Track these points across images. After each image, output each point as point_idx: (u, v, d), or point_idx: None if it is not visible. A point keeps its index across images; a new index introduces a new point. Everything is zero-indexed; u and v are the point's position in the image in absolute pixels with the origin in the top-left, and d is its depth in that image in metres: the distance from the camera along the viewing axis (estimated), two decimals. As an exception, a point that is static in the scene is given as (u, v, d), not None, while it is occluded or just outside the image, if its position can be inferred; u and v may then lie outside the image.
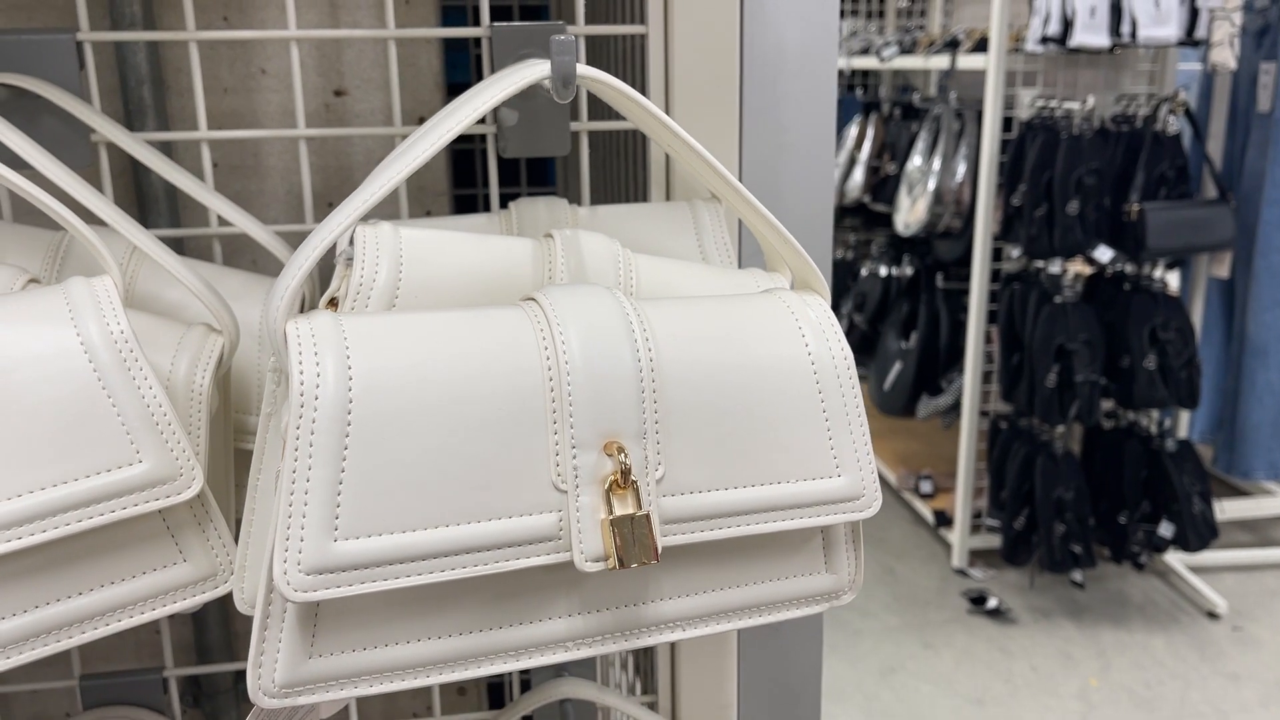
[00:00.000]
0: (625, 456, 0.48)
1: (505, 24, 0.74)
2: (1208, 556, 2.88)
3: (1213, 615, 2.74)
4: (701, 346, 0.51)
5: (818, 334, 0.53)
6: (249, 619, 1.01)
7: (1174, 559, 2.89)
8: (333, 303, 0.55)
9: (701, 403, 0.50)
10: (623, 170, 0.94)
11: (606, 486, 0.48)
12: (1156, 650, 2.62)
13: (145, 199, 0.88)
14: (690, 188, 0.79)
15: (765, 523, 0.51)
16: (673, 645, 0.89)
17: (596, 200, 1.04)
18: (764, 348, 0.52)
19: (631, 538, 0.48)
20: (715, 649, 0.89)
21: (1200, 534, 2.64)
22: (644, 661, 0.99)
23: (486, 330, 0.49)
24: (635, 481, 0.48)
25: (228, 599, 0.99)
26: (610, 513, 0.48)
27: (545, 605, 0.51)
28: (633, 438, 0.49)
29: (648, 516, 0.48)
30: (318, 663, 0.47)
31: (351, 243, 0.56)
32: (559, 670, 0.90)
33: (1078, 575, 2.72)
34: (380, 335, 0.47)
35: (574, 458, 0.48)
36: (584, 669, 0.90)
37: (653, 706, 0.90)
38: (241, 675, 1.01)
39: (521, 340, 0.49)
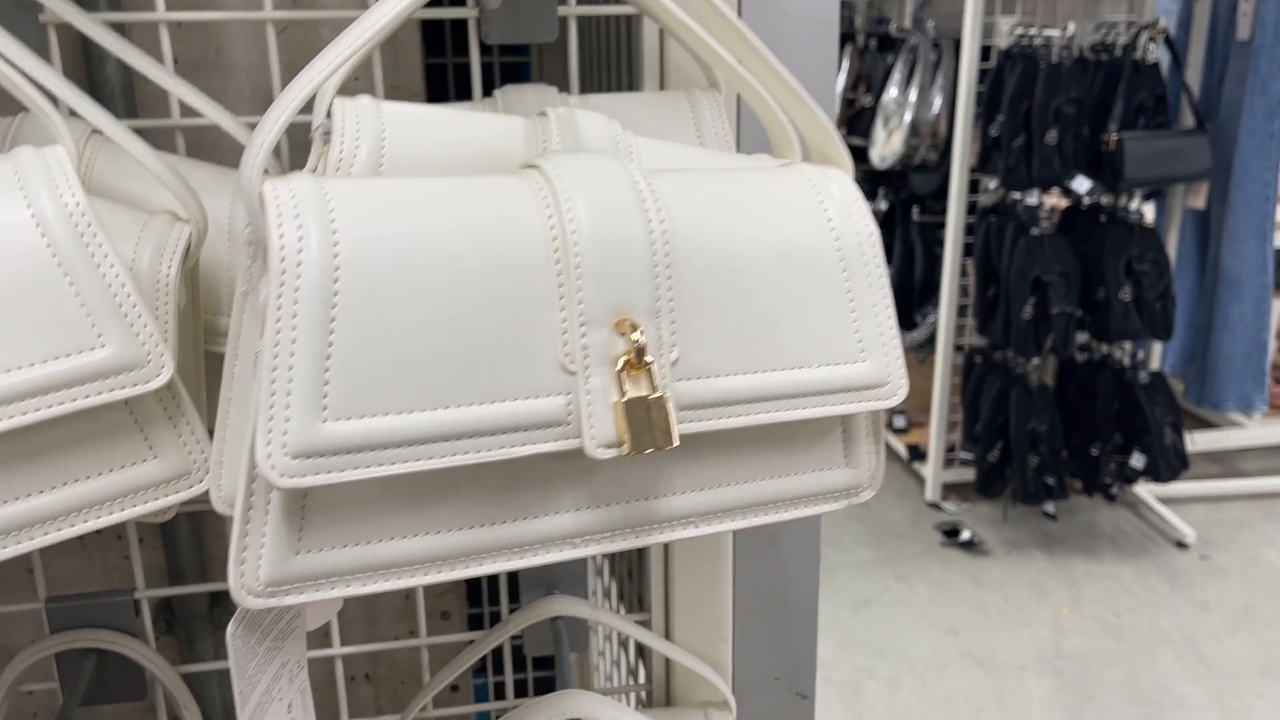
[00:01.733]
0: (639, 334, 0.44)
1: (489, -106, 0.68)
2: (1177, 488, 2.90)
3: (1181, 545, 2.76)
4: (717, 220, 0.47)
5: (842, 209, 0.49)
6: (223, 542, 0.97)
7: (1144, 490, 2.91)
8: (311, 180, 0.50)
9: (718, 280, 0.46)
10: (609, 64, 0.89)
11: (619, 368, 0.44)
12: (1127, 580, 2.64)
13: (99, 93, 0.82)
14: (686, 79, 0.75)
15: (786, 410, 0.48)
16: (666, 561, 0.86)
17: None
18: (784, 223, 0.48)
19: (646, 422, 0.44)
20: (709, 564, 0.86)
21: (1171, 465, 2.65)
22: (633, 580, 0.96)
23: (485, 197, 0.44)
24: (650, 362, 0.44)
25: (201, 520, 0.96)
26: (622, 395, 0.44)
27: (551, 499, 0.47)
28: (645, 315, 0.45)
29: (663, 399, 0.44)
30: (306, 559, 0.43)
31: (329, 116, 0.52)
32: (549, 588, 0.87)
33: (1050, 507, 2.73)
34: (368, 199, 0.42)
35: (583, 336, 0.44)
36: (575, 587, 0.87)
37: (644, 625, 0.87)
38: (217, 598, 0.97)
39: (523, 208, 0.44)
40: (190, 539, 0.94)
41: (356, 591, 0.45)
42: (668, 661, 0.89)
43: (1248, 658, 2.36)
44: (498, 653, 1.13)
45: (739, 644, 0.88)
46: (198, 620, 0.96)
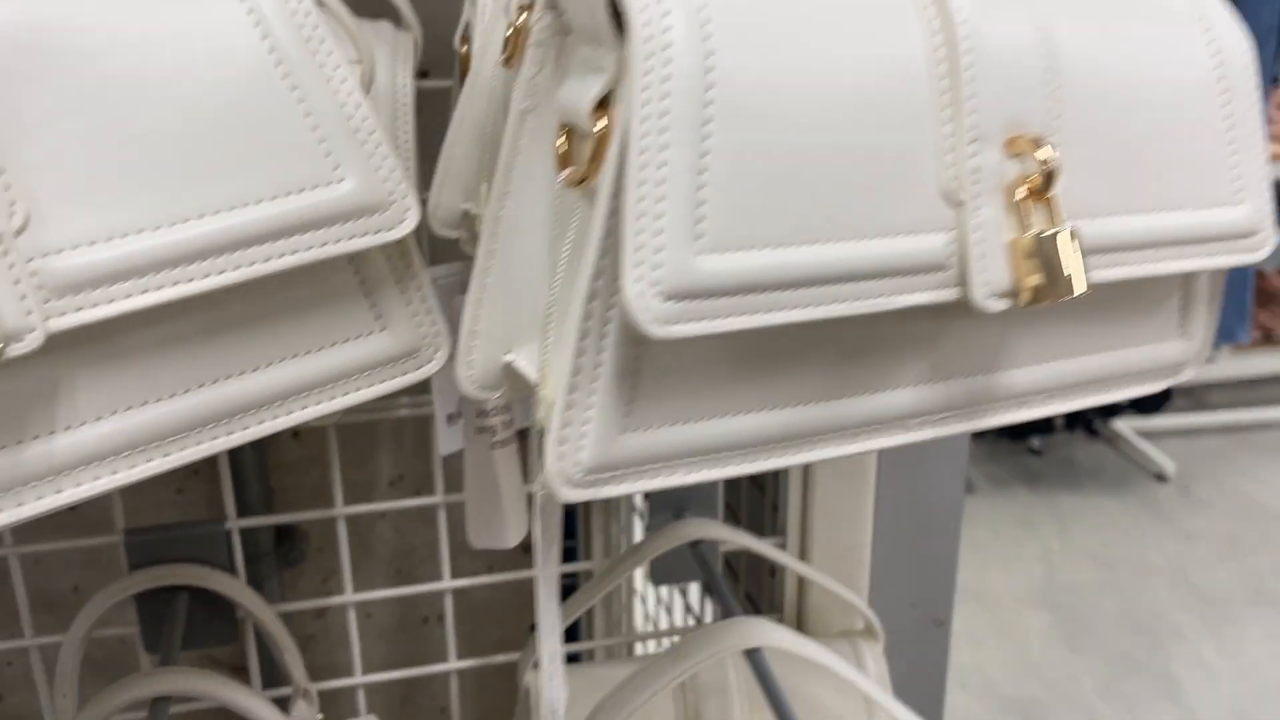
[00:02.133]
0: (1048, 153, 0.35)
1: None
2: (1154, 422, 2.92)
3: (1161, 478, 2.78)
4: (1094, 26, 0.38)
5: (1222, 25, 0.41)
6: (288, 471, 0.87)
7: (1123, 425, 2.92)
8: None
9: (1101, 98, 0.38)
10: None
11: (1019, 197, 0.36)
12: (1111, 513, 2.65)
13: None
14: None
15: (1168, 260, 0.40)
16: (805, 481, 0.79)
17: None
18: (1163, 37, 0.40)
19: (1048, 264, 0.35)
20: (851, 482, 0.78)
21: (1154, 396, 2.66)
22: (773, 487, 0.87)
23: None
24: (1056, 192, 0.36)
25: (265, 449, 0.85)
26: (1024, 230, 0.36)
27: (894, 370, 0.38)
28: (1040, 133, 0.36)
29: (1073, 235, 0.36)
30: (633, 439, 0.34)
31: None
32: (678, 511, 0.79)
33: (1036, 442, 2.73)
34: (729, -26, 0.33)
35: (973, 155, 0.35)
36: (706, 509, 0.79)
37: (781, 548, 0.80)
38: (283, 539, 0.87)
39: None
40: (255, 468, 0.83)
41: (680, 480, 0.36)
42: (800, 588, 0.81)
43: (1237, 585, 2.38)
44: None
45: (876, 569, 0.81)
46: (265, 558, 0.85)
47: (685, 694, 0.74)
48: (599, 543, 1.05)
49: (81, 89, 0.33)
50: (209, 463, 0.83)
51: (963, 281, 0.36)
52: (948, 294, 0.36)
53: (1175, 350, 0.45)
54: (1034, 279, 0.35)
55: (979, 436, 2.87)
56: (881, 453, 0.78)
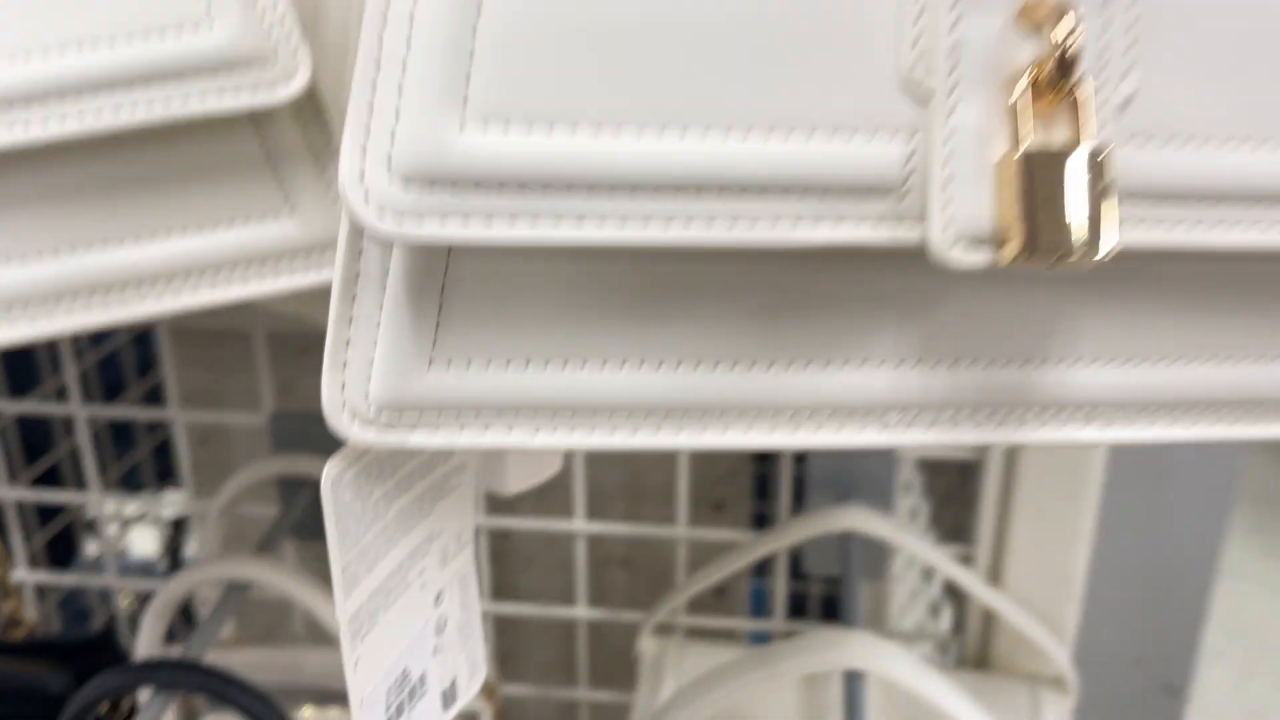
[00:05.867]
0: (1070, 30, 0.22)
1: None
2: None
3: None
4: None
5: None
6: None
7: None
8: None
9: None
10: None
11: (1022, 91, 0.23)
12: None
13: None
14: None
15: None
16: (1005, 481, 0.64)
17: None
18: None
19: (1056, 202, 0.23)
20: (1065, 492, 0.63)
21: None
22: (953, 502, 0.74)
23: None
24: (1078, 85, 0.23)
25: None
26: (1018, 144, 0.23)
27: (859, 337, 0.27)
28: (1085, 2, 0.23)
29: (1104, 156, 0.23)
30: (442, 376, 0.27)
31: None
32: (843, 493, 0.68)
33: None
34: None
35: (955, 23, 0.23)
36: (878, 496, 0.67)
37: (966, 561, 0.66)
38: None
39: None
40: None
41: (520, 442, 0.27)
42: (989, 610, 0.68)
43: None
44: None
45: (1091, 609, 0.65)
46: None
47: (809, 686, 0.65)
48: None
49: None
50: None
51: (920, 213, 0.24)
52: (898, 233, 0.24)
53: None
54: (1029, 224, 0.23)
55: None
56: (1113, 451, 0.62)
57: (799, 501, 0.71)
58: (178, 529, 1.06)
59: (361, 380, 0.27)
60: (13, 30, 0.30)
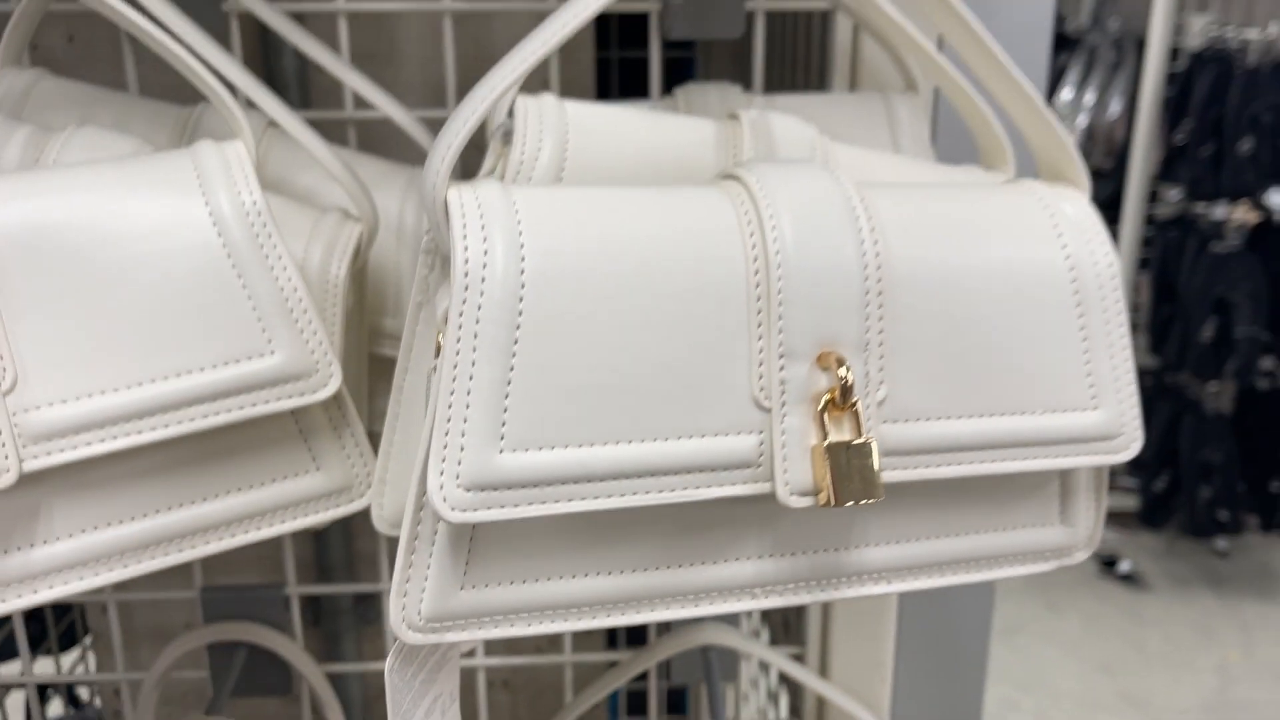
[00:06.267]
0: (846, 370, 0.39)
1: (682, -119, 0.64)
2: (1365, 531, 2.67)
3: (1368, 593, 2.54)
4: (936, 243, 0.42)
5: (1078, 234, 0.43)
6: (372, 538, 0.96)
7: (1327, 531, 2.69)
8: (490, 183, 0.47)
9: (935, 311, 0.41)
10: (792, 62, 0.84)
11: (820, 406, 0.40)
12: (1305, 627, 2.45)
13: (276, 83, 0.82)
14: (879, 80, 0.69)
15: (1003, 461, 0.42)
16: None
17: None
18: (1011, 249, 0.43)
19: (848, 469, 0.39)
20: (874, 599, 0.80)
21: (1360, 506, 2.44)
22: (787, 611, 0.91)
23: (680, 210, 0.40)
24: (856, 402, 0.40)
25: (350, 517, 0.95)
26: (824, 438, 0.39)
27: (733, 544, 0.43)
28: (853, 349, 0.40)
29: (869, 445, 0.39)
30: (470, 595, 0.40)
31: (510, 115, 0.48)
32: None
33: (1222, 543, 2.56)
34: (557, 210, 0.39)
35: (781, 369, 0.39)
36: (727, 615, 0.83)
37: (798, 659, 0.83)
38: (362, 598, 0.97)
39: (722, 224, 0.40)
40: (340, 534, 0.93)
41: (521, 632, 0.41)
42: (821, 696, 0.84)
43: None
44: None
45: (900, 685, 0.83)
46: (344, 614, 0.95)
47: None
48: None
49: (68, 278, 0.42)
50: (301, 525, 0.94)
51: (770, 479, 0.40)
52: (759, 489, 0.40)
53: (1056, 536, 0.47)
54: (834, 481, 0.39)
55: (1157, 530, 2.71)
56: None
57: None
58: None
59: (415, 603, 0.40)
60: (140, 367, 0.43)
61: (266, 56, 0.82)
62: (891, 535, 0.45)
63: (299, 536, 0.96)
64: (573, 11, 0.41)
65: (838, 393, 0.39)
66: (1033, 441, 0.43)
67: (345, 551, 0.94)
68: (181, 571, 0.87)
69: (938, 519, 0.45)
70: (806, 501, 0.40)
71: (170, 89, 0.77)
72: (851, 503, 0.39)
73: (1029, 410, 0.42)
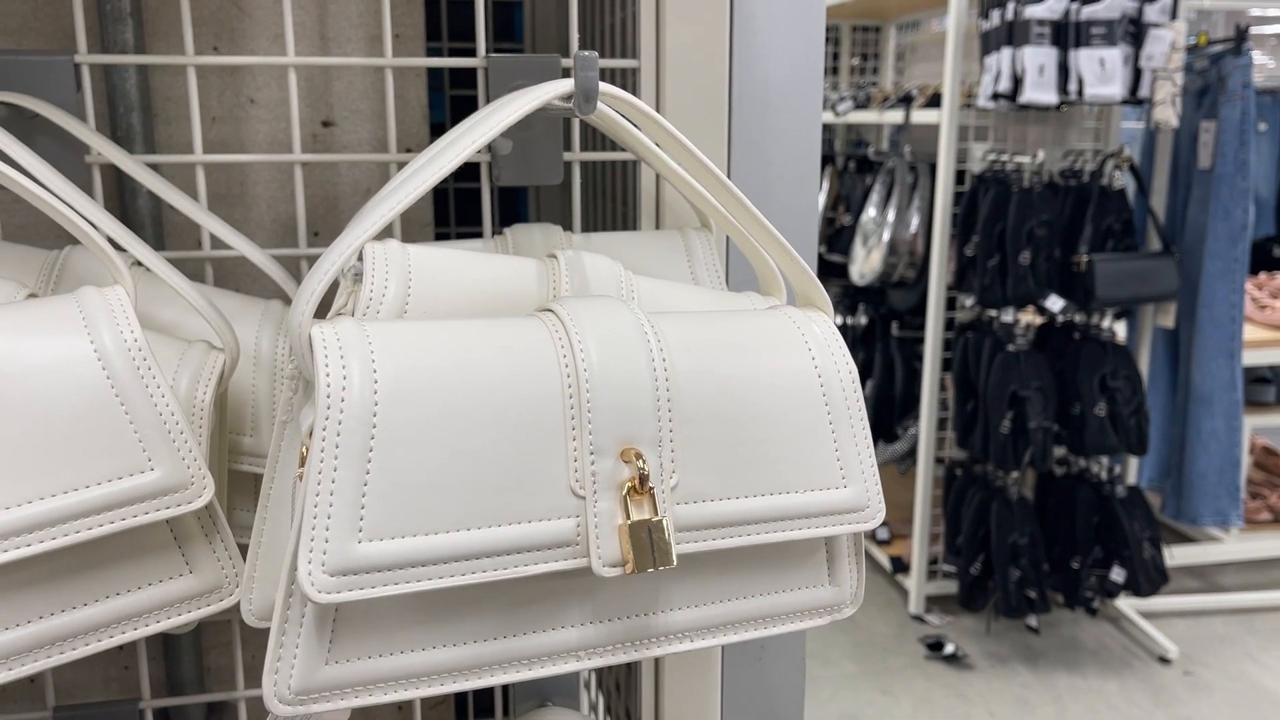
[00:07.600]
0: (643, 463, 0.49)
1: (502, 55, 0.75)
2: (1158, 602, 2.93)
3: (1164, 660, 2.77)
4: (713, 358, 0.52)
5: (823, 348, 0.55)
6: (223, 652, 1.00)
7: (1125, 605, 2.93)
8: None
9: (713, 413, 0.51)
10: (608, 203, 0.96)
11: (624, 492, 0.49)
12: (1111, 695, 2.64)
13: (132, 224, 0.88)
14: (679, 218, 0.81)
15: (775, 531, 0.52)
16: (656, 675, 0.89)
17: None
18: (772, 361, 0.53)
19: (648, 543, 0.48)
20: (698, 678, 0.89)
21: (1151, 579, 2.68)
22: (621, 693, 0.98)
23: (506, 338, 0.50)
24: (652, 488, 0.49)
25: (202, 631, 0.98)
26: (627, 518, 0.48)
27: (559, 613, 0.51)
28: (649, 445, 0.49)
29: (664, 522, 0.49)
30: (334, 669, 0.47)
31: (359, 259, 0.57)
32: (542, 700, 0.90)
33: (1033, 621, 2.75)
34: (403, 340, 0.47)
35: (592, 464, 0.49)
36: (567, 699, 0.90)
37: (635, 736, 0.90)
38: (214, 708, 0.99)
39: (540, 348, 0.49)
40: (191, 649, 0.96)
41: (379, 699, 0.48)
42: (658, 772, 0.91)
43: (1233, 775, 2.35)
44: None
45: (727, 752, 0.91)
46: (196, 729, 0.97)
47: None
48: None
49: (-36, 411, 0.48)
50: (149, 642, 0.96)
51: (586, 554, 0.49)
52: (577, 563, 0.49)
53: (827, 594, 0.57)
54: (636, 553, 0.48)
55: (976, 612, 2.89)
56: (725, 649, 0.89)
57: (506, 710, 0.92)
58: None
59: (286, 678, 0.47)
60: (29, 486, 0.48)
61: (123, 198, 0.88)
62: (691, 600, 0.54)
63: (149, 655, 0.98)
64: (421, 179, 0.51)
65: (637, 480, 0.48)
66: (798, 515, 0.53)
67: (196, 667, 0.97)
68: (34, 692, 0.89)
69: (728, 585, 0.54)
70: (615, 571, 0.48)
71: (18, 230, 0.83)
72: (651, 569, 0.48)
73: (794, 489, 0.53)
